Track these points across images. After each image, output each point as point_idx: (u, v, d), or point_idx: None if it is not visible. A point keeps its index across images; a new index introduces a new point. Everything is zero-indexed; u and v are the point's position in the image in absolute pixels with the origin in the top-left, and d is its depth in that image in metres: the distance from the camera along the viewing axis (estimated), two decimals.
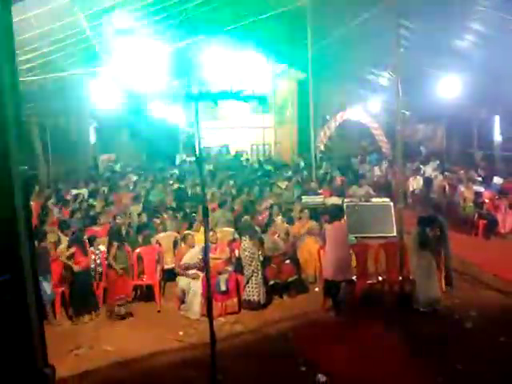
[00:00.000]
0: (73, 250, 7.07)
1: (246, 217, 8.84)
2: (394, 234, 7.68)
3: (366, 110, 20.70)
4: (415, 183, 13.44)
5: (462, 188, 11.71)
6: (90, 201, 11.00)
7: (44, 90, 11.23)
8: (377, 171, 16.27)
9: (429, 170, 15.03)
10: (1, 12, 1.83)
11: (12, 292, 2.26)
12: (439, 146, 19.72)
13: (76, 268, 6.92)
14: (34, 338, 2.41)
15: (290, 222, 8.92)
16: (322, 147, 20.51)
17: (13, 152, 2.25)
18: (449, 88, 12.90)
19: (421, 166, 15.13)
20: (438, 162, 15.99)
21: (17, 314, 2.29)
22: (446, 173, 13.91)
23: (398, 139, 7.33)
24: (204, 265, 5.98)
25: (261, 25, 11.39)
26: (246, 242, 7.26)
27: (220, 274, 7.10)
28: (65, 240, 7.86)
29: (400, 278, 7.02)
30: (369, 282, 7.26)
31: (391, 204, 8.51)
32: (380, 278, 7.32)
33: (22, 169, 2.40)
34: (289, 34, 14.23)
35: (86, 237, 7.57)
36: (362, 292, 7.09)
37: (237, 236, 8.14)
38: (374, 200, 9.22)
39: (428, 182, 13.15)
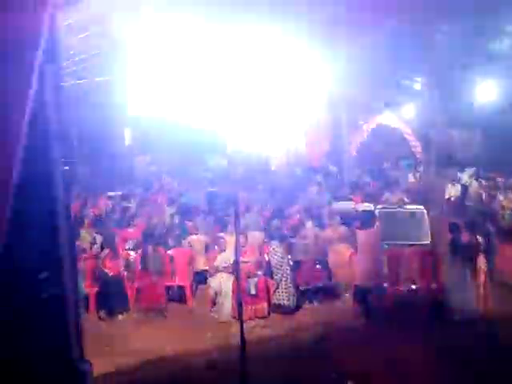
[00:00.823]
0: (106, 251, 7.25)
1: (275, 221, 8.84)
2: (428, 241, 7.53)
3: (400, 115, 20.35)
4: (453, 190, 13.10)
5: (500, 196, 11.36)
6: (125, 202, 11.26)
7: (82, 94, 11.58)
8: (410, 177, 15.96)
9: (465, 176, 14.64)
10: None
11: (52, 289, 2.35)
12: (475, 152, 19.17)
13: (107, 270, 7.09)
14: (71, 335, 2.50)
15: (321, 227, 8.87)
16: (354, 152, 20.29)
17: (55, 151, 2.35)
18: (486, 92, 12.56)
19: (457, 173, 14.74)
20: (474, 168, 15.55)
21: (56, 310, 2.37)
22: (483, 180, 13.52)
23: (433, 145, 7.22)
24: (235, 268, 6.03)
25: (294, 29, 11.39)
26: (276, 246, 7.27)
27: (250, 277, 7.13)
28: (99, 240, 8.09)
29: (433, 286, 6.87)
30: (401, 289, 7.13)
31: (425, 211, 8.34)
32: (413, 286, 7.17)
33: (63, 169, 2.50)
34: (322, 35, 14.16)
35: (118, 238, 7.77)
36: (393, 299, 6.97)
37: (266, 240, 8.16)
38: (408, 207, 9.06)
39: (464, 189, 12.81)
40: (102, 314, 7.01)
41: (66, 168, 2.60)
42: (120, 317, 7.03)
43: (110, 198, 12.08)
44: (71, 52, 8.83)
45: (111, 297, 7.07)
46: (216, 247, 7.83)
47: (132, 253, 7.54)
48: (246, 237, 7.79)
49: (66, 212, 2.51)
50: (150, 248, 7.36)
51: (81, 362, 2.47)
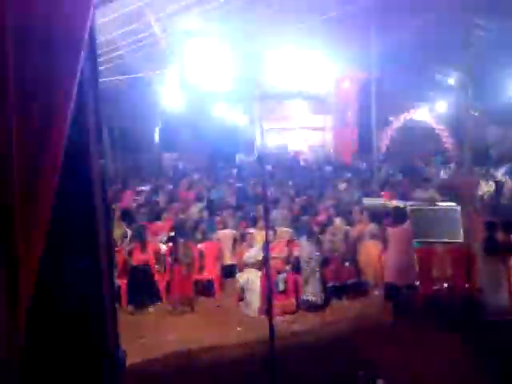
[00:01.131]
0: (133, 245, 7.39)
1: (304, 217, 8.81)
2: (461, 239, 7.35)
3: (432, 111, 19.93)
4: (487, 188, 12.75)
5: None
6: (154, 197, 11.45)
7: (113, 91, 11.82)
8: (442, 174, 15.61)
9: (499, 173, 14.21)
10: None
11: (89, 278, 2.42)
12: (510, 149, 18.56)
13: (134, 263, 7.22)
14: (107, 324, 2.57)
15: (350, 223, 8.80)
16: (384, 149, 19.98)
17: (93, 144, 2.41)
18: None
19: (490, 170, 14.33)
20: (509, 165, 15.08)
21: (92, 299, 2.44)
22: None
23: (466, 141, 7.04)
24: (264, 263, 6.05)
25: (324, 25, 11.33)
26: (304, 242, 7.24)
27: (278, 273, 7.14)
28: (130, 234, 8.25)
29: (467, 285, 6.72)
30: (433, 288, 6.99)
31: (458, 208, 8.15)
32: (445, 285, 7.03)
33: (100, 162, 2.57)
34: (352, 34, 14.01)
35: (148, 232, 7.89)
36: (425, 298, 6.85)
37: (294, 236, 8.14)
38: (440, 204, 8.87)
39: (499, 186, 12.44)
40: (132, 306, 7.13)
41: (103, 161, 2.67)
42: (150, 309, 7.15)
43: (139, 192, 12.30)
44: (107, 49, 9.01)
45: (142, 289, 7.20)
46: (244, 242, 7.87)
47: (163, 246, 7.66)
48: (276, 232, 7.79)
49: (103, 204, 2.59)
50: (180, 241, 7.46)
51: (116, 349, 2.54)
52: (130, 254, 7.37)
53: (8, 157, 1.59)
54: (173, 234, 8.02)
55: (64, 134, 1.79)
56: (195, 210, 10.08)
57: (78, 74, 1.86)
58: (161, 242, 7.82)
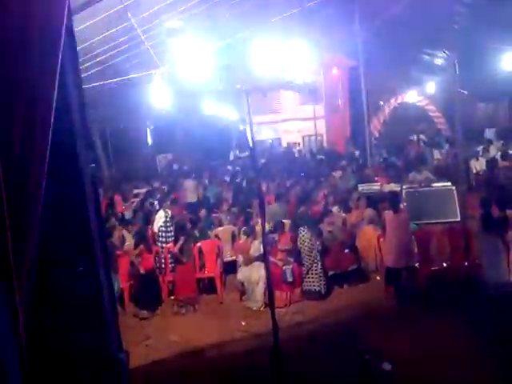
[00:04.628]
0: (140, 248, 7.38)
1: (302, 207, 8.83)
2: (458, 218, 7.40)
3: (422, 93, 19.94)
4: (478, 165, 12.80)
5: None
6: (150, 199, 11.42)
7: (102, 96, 11.77)
8: (437, 155, 15.65)
9: (492, 150, 14.25)
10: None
11: (87, 283, 2.43)
12: (502, 125, 18.62)
13: (143, 266, 7.22)
14: (108, 326, 2.58)
15: (347, 211, 8.82)
16: (377, 134, 20.00)
17: (81, 152, 2.41)
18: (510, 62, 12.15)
19: (484, 147, 14.37)
20: (501, 142, 15.12)
21: (93, 303, 2.46)
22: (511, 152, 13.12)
23: (457, 120, 7.03)
24: (264, 257, 6.05)
25: (308, 13, 11.28)
26: (305, 233, 7.26)
27: (285, 265, 7.17)
28: (129, 237, 8.25)
29: (466, 263, 6.76)
30: (433, 268, 7.04)
31: (453, 188, 8.19)
32: (444, 264, 7.07)
33: (90, 167, 2.57)
34: (337, 19, 13.98)
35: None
36: (425, 279, 6.89)
37: (293, 227, 8.15)
38: (435, 185, 8.91)
39: (492, 163, 12.47)
40: (138, 309, 7.13)
41: (93, 166, 2.68)
42: (156, 310, 7.15)
43: (135, 195, 12.30)
44: (93, 53, 8.95)
45: (146, 292, 7.19)
46: (242, 237, 7.88)
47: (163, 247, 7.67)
48: (283, 225, 7.82)
49: (96, 209, 2.59)
50: (180, 241, 7.47)
51: (118, 351, 2.56)
52: (137, 257, 7.33)
53: None
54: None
55: (47, 141, 1.79)
56: (191, 209, 10.07)
57: (57, 76, 1.85)
58: (160, 243, 7.82)
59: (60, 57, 1.87)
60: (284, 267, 7.10)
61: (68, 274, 2.33)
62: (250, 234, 7.80)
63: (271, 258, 6.83)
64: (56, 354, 2.20)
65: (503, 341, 5.17)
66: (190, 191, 12.17)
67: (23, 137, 1.69)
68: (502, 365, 4.77)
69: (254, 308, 6.89)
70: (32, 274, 1.82)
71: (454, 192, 8.01)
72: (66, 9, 1.87)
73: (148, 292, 7.18)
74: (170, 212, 8.38)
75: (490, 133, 17.64)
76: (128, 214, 10.24)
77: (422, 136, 18.48)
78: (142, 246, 7.40)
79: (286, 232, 7.92)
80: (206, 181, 13.60)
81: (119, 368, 2.52)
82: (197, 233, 8.09)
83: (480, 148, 14.33)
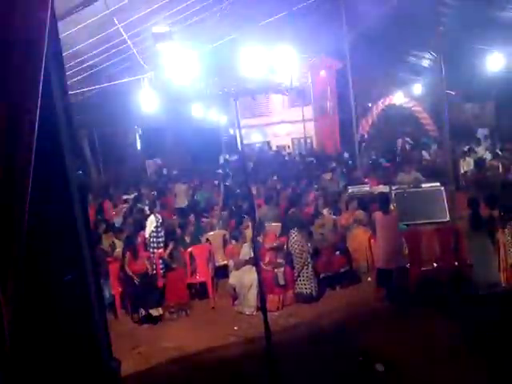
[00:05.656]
0: (128, 255, 7.29)
1: (292, 210, 8.83)
2: (447, 218, 7.44)
3: (409, 94, 20.12)
4: (465, 165, 12.93)
5: None
6: (139, 205, 11.32)
7: (90, 102, 11.70)
8: (425, 155, 15.78)
9: (481, 150, 14.41)
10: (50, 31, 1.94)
11: (76, 291, 2.40)
12: (489, 125, 18.84)
13: (131, 272, 7.13)
14: (99, 334, 2.55)
15: (337, 213, 8.85)
16: (366, 135, 20.13)
17: (68, 158, 2.38)
18: (497, 62, 12.29)
19: (472, 147, 14.52)
20: (489, 141, 15.30)
21: (82, 311, 2.42)
22: (499, 152, 13.28)
23: (445, 121, 7.13)
24: (254, 260, 6.04)
25: (296, 16, 11.35)
26: (295, 235, 7.26)
27: (276, 268, 7.15)
28: (119, 244, 8.17)
29: (456, 263, 6.81)
30: (423, 268, 7.07)
31: (442, 188, 8.24)
32: (435, 265, 7.11)
33: (77, 174, 2.54)
34: (325, 22, 14.08)
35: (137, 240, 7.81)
36: (416, 279, 6.92)
37: (284, 229, 8.15)
38: (424, 185, 8.96)
39: (480, 162, 12.61)
40: (136, 316, 7.01)
41: (80, 173, 2.65)
42: (153, 314, 7.01)
43: (125, 201, 12.20)
44: (80, 58, 8.90)
45: (139, 297, 7.09)
46: (233, 241, 7.86)
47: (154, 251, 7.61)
48: (263, 224, 7.81)
49: (84, 216, 2.56)
50: (170, 247, 7.42)
51: (110, 360, 2.53)
52: (125, 264, 7.24)
53: None
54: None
55: (31, 146, 1.76)
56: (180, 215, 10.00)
57: (41, 80, 1.82)
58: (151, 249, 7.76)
59: (43, 60, 1.84)
60: (276, 270, 7.09)
61: (56, 283, 2.29)
62: (239, 238, 7.79)
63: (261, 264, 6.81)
64: (46, 364, 2.16)
65: (493, 340, 5.21)
66: (180, 196, 12.14)
67: (7, 140, 1.66)
68: (492, 364, 4.81)
69: (247, 313, 6.85)
70: (18, 274, 1.79)
71: (443, 192, 8.07)
72: (49, 12, 1.84)
73: (148, 292, 7.07)
74: (160, 217, 8.31)
75: (481, 133, 17.77)
76: (118, 221, 10.13)
77: (407, 139, 18.58)
78: (128, 254, 7.30)
79: (268, 231, 7.90)
80: (196, 185, 13.54)
81: (111, 377, 2.50)
82: (187, 238, 8.05)
83: (468, 148, 14.46)
